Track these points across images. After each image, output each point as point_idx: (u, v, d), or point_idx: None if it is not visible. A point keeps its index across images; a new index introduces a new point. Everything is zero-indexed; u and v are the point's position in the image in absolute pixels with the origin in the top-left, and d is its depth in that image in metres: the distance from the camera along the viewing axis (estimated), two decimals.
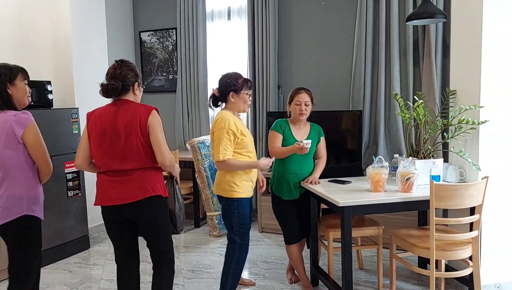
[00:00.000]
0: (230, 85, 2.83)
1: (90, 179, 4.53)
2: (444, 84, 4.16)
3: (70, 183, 4.10)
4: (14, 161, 2.25)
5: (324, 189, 2.92)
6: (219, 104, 2.93)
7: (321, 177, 3.17)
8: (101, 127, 2.35)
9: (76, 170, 4.15)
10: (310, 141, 2.91)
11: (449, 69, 4.07)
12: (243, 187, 2.83)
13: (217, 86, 2.91)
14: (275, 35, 4.79)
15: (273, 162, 2.94)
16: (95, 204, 2.46)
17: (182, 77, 5.33)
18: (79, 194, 4.20)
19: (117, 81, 2.34)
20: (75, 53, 4.44)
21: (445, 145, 3.26)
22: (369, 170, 2.79)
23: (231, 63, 5.11)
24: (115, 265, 2.64)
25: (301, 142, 2.89)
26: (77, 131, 4.20)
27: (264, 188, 3.17)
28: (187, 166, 5.01)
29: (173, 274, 2.56)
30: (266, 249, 4.11)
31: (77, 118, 4.21)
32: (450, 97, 3.11)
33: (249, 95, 2.89)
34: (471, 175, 2.96)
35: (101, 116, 2.37)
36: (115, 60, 2.44)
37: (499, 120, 2.91)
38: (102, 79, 2.57)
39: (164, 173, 2.49)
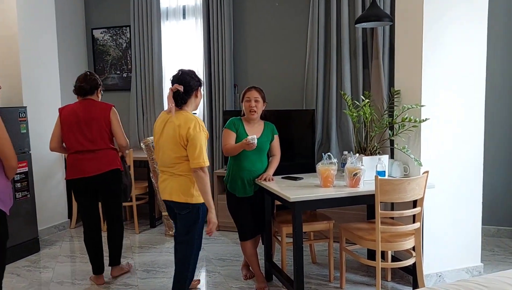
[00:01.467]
0: (196, 80, 2.74)
1: (39, 180, 4.40)
2: (391, 84, 4.35)
3: (18, 184, 3.97)
4: None
5: (277, 185, 3.00)
6: (183, 102, 2.70)
7: (276, 174, 3.25)
8: (77, 118, 3.19)
9: (25, 170, 4.02)
10: (255, 136, 2.97)
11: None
12: None
13: (177, 84, 2.69)
14: (230, 34, 4.83)
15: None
16: (67, 178, 3.27)
17: (137, 75, 5.27)
18: (28, 196, 4.07)
19: (87, 84, 3.26)
20: (22, 51, 4.29)
21: (392, 142, 3.42)
22: (319, 166, 2.90)
23: (187, 62, 5.10)
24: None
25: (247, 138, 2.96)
26: (25, 131, 4.06)
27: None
28: (142, 166, 4.96)
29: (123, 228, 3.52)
30: (222, 247, 4.15)
31: (25, 117, 4.07)
32: (395, 96, 3.27)
33: None
34: (414, 170, 3.13)
35: (75, 110, 3.22)
36: (86, 71, 3.38)
37: (439, 118, 3.10)
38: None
39: None
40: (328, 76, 4.56)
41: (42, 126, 4.47)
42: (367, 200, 2.84)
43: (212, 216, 2.66)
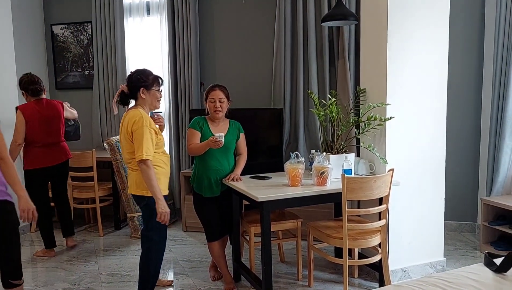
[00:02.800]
0: (140, 81, 2.81)
1: None
2: (357, 83, 4.39)
3: None
4: None
5: (245, 185, 2.97)
6: (128, 101, 2.90)
7: (244, 173, 3.21)
8: (41, 116, 3.73)
9: None
10: (222, 134, 2.94)
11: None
12: (162, 185, 2.81)
13: (126, 83, 2.88)
14: (196, 32, 4.76)
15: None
16: (29, 167, 3.78)
17: (99, 73, 5.11)
18: None
19: (39, 86, 3.79)
20: None
21: (358, 141, 3.46)
22: (287, 165, 2.89)
23: (152, 59, 4.99)
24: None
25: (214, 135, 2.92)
26: None
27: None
28: (106, 167, 4.82)
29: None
30: (190, 248, 4.08)
31: None
32: (361, 95, 3.31)
33: (160, 91, 2.91)
34: (380, 168, 3.17)
35: (37, 109, 3.73)
36: (27, 73, 3.82)
37: (403, 116, 3.15)
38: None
39: None
40: (295, 74, 4.56)
41: None
42: (335, 198, 2.86)
43: (159, 206, 2.70)
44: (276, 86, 4.61)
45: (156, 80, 2.87)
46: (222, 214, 3.20)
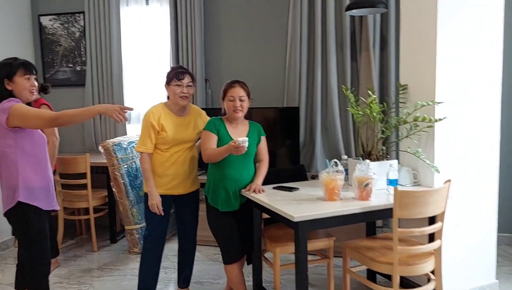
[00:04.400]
0: (166, 77, 2.81)
1: None
2: (382, 78, 3.97)
3: None
4: (6, 149, 2.34)
5: (271, 199, 2.49)
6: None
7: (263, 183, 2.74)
8: None
9: None
10: (247, 138, 2.47)
11: (386, 63, 3.91)
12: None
13: None
14: (200, 23, 4.28)
15: None
16: None
17: (92, 68, 4.60)
18: None
19: None
20: None
21: (395, 145, 3.00)
22: (323, 175, 2.41)
23: (152, 54, 4.51)
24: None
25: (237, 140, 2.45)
26: None
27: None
28: (100, 172, 4.32)
29: None
30: (198, 266, 3.57)
31: None
32: (401, 92, 2.85)
33: (179, 86, 2.71)
34: (426, 178, 2.71)
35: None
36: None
37: (454, 117, 2.69)
38: None
39: None
40: (311, 69, 4.11)
41: None
42: (381, 215, 2.41)
43: (148, 199, 2.74)
44: (290, 82, 4.14)
45: (175, 75, 2.72)
46: (241, 231, 2.72)
